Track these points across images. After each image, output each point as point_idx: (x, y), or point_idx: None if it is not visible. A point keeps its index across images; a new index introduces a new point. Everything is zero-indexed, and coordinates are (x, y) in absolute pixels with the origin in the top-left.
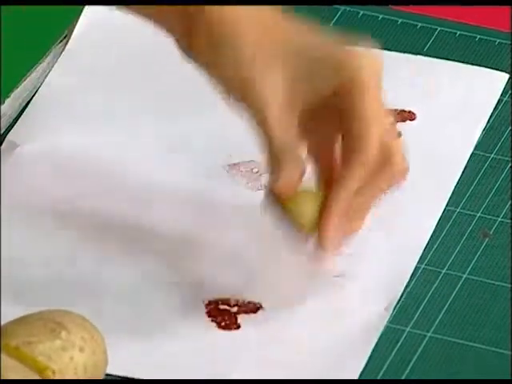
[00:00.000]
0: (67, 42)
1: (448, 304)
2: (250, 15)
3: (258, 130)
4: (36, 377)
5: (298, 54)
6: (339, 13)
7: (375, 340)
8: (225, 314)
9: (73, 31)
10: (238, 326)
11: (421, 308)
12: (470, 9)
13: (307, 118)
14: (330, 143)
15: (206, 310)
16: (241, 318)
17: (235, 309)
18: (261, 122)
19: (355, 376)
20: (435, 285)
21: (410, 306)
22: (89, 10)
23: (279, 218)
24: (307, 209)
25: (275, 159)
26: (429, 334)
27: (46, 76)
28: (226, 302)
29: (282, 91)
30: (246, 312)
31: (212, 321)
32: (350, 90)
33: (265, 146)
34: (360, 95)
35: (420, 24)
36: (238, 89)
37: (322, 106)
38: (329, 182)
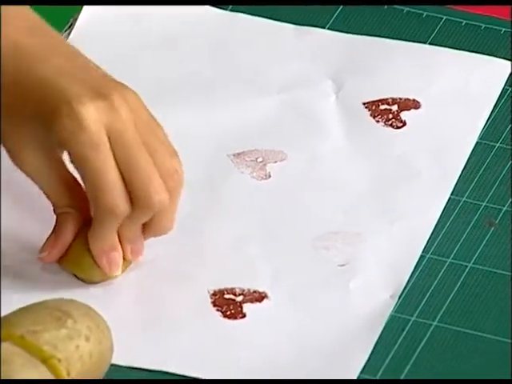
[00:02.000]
0: (71, 31)
1: (453, 293)
2: None
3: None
4: (41, 365)
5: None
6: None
7: (381, 328)
8: (230, 303)
9: (76, 21)
10: (244, 315)
11: (426, 297)
12: None
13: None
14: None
15: (211, 300)
16: (246, 307)
17: (240, 298)
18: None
19: (361, 364)
20: (440, 274)
21: (416, 295)
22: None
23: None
24: (82, 261)
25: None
26: (434, 323)
27: None
28: (232, 291)
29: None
30: (251, 301)
31: (217, 310)
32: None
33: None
34: (75, 158)
35: (426, 13)
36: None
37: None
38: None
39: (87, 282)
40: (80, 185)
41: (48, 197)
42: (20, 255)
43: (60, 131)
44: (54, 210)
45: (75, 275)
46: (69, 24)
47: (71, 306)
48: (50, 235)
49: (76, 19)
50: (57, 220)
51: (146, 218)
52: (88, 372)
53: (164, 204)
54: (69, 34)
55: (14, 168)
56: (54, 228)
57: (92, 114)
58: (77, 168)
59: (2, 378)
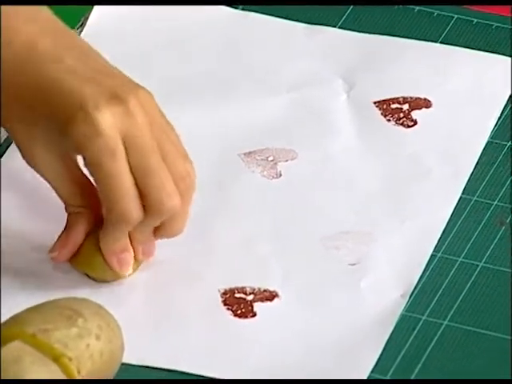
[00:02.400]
0: (82, 30)
1: (464, 292)
2: None
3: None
4: (52, 363)
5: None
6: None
7: (391, 327)
8: (241, 302)
9: (88, 19)
10: (254, 314)
11: (437, 296)
12: None
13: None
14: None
15: (222, 299)
16: (257, 306)
17: (251, 297)
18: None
19: (371, 363)
20: (451, 273)
21: (427, 294)
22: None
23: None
24: (93, 261)
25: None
26: (445, 322)
27: None
28: (242, 290)
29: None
30: (261, 300)
31: (228, 309)
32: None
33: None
34: (95, 169)
35: (437, 12)
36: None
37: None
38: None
39: (99, 281)
40: (92, 185)
41: (60, 195)
42: (31, 254)
43: (76, 137)
44: (65, 208)
45: (87, 274)
46: (80, 23)
47: (82, 305)
48: (61, 234)
49: (87, 18)
50: (68, 219)
51: (157, 222)
52: (98, 371)
53: (176, 209)
54: (80, 32)
55: (25, 167)
56: (65, 227)
57: (108, 120)
58: (91, 173)
59: (12, 377)
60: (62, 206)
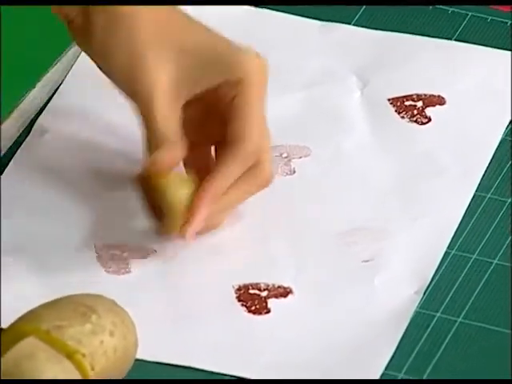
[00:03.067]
0: None
1: (478, 290)
2: (147, 11)
3: (141, 117)
4: (66, 360)
5: (189, 51)
6: None
7: (406, 324)
8: (255, 298)
9: None
10: (269, 311)
11: (451, 293)
12: None
13: (192, 113)
14: (210, 141)
15: (236, 295)
16: (271, 303)
17: (265, 293)
18: (145, 110)
19: (385, 360)
20: (465, 270)
21: (441, 291)
22: None
23: (148, 198)
24: (177, 192)
25: (153, 144)
26: (459, 320)
27: (73, 65)
28: (256, 286)
29: (169, 82)
30: (276, 296)
31: (242, 305)
32: (237, 90)
33: (145, 130)
34: (247, 96)
35: (451, 9)
36: (126, 77)
37: (206, 101)
38: (202, 178)
39: (150, 224)
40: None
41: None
42: (50, 243)
43: (244, 71)
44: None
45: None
46: None
47: (96, 301)
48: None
49: None
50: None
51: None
52: (112, 367)
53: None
54: None
55: (46, 156)
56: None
57: (261, 65)
58: (231, 104)
59: (26, 373)
60: (86, 193)
